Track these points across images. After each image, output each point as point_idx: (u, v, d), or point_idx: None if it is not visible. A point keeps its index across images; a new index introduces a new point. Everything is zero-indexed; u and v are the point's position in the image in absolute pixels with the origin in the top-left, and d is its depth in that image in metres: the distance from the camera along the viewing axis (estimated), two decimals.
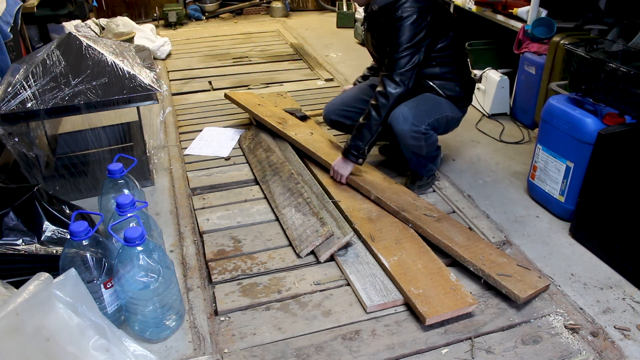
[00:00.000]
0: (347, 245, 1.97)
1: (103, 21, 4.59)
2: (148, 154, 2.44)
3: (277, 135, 2.81)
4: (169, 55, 4.57)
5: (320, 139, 2.61)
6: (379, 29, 2.23)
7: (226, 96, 3.13)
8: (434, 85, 2.26)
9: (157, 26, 5.32)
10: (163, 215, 2.26)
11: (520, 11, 3.06)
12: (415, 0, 2.08)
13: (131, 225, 1.66)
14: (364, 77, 2.71)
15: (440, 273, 1.80)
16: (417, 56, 2.09)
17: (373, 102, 2.14)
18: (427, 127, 2.19)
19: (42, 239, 1.73)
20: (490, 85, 3.20)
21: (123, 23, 4.50)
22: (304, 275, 1.89)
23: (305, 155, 2.55)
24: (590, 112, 2.02)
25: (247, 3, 6.23)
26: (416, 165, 2.32)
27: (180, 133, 3.04)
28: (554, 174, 2.18)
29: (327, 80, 3.88)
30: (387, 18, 2.13)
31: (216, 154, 2.76)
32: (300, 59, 4.44)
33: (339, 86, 3.70)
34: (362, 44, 4.84)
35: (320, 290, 1.82)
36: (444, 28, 2.17)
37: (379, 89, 2.14)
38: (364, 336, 1.63)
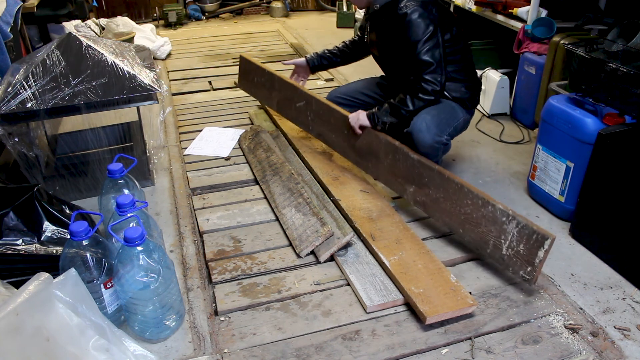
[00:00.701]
0: (347, 245, 1.97)
1: (103, 21, 4.60)
2: (148, 154, 2.44)
3: (276, 135, 2.81)
4: (169, 55, 4.57)
5: None
6: (383, 28, 2.21)
7: (241, 57, 3.23)
8: None
9: (157, 26, 5.32)
10: (163, 215, 2.26)
11: (520, 11, 3.06)
12: None
13: (131, 225, 1.66)
14: (322, 57, 2.65)
15: (440, 274, 1.80)
16: (439, 50, 2.04)
17: (412, 92, 2.09)
18: (447, 137, 2.17)
19: (42, 239, 1.72)
20: (490, 85, 3.20)
21: (123, 23, 4.51)
22: (304, 275, 1.89)
23: (322, 116, 2.51)
24: (590, 112, 2.02)
25: (247, 3, 6.23)
26: None
27: (180, 133, 3.04)
28: (554, 174, 2.18)
29: (327, 80, 3.88)
30: (390, 16, 2.11)
31: (216, 154, 2.76)
32: None
33: (338, 86, 3.69)
34: None
35: (320, 290, 1.82)
36: (447, 23, 2.15)
37: (419, 85, 2.08)
38: (364, 336, 1.63)
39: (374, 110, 2.21)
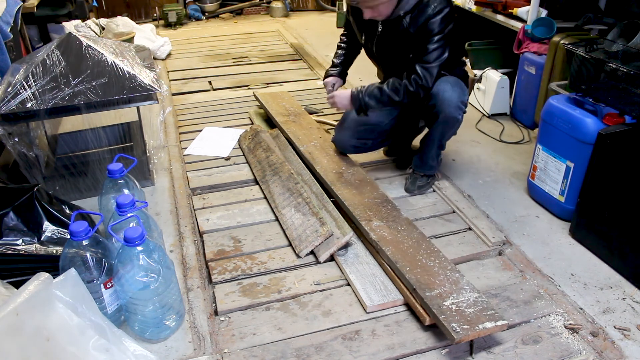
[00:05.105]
0: (346, 245, 1.97)
1: (103, 21, 4.59)
2: (148, 154, 2.44)
3: (276, 135, 2.81)
4: (169, 55, 4.57)
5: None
6: (399, 33, 2.15)
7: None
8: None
9: (157, 26, 5.32)
10: (163, 215, 2.26)
11: (520, 11, 3.06)
12: None
13: (131, 225, 1.66)
14: (344, 63, 2.61)
15: None
16: (447, 49, 2.10)
17: (401, 81, 2.14)
18: (466, 102, 2.25)
19: (42, 239, 1.72)
20: (490, 85, 3.20)
21: (123, 23, 4.50)
22: (304, 275, 1.89)
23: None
24: (590, 112, 2.02)
25: (247, 3, 6.23)
26: (428, 154, 2.34)
27: (180, 133, 3.04)
28: (554, 174, 2.18)
29: None
30: (413, 18, 2.09)
31: (216, 154, 2.76)
32: (300, 59, 4.44)
33: None
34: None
35: (320, 290, 1.82)
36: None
37: (414, 76, 2.11)
38: (364, 336, 1.63)
39: (360, 89, 2.24)
